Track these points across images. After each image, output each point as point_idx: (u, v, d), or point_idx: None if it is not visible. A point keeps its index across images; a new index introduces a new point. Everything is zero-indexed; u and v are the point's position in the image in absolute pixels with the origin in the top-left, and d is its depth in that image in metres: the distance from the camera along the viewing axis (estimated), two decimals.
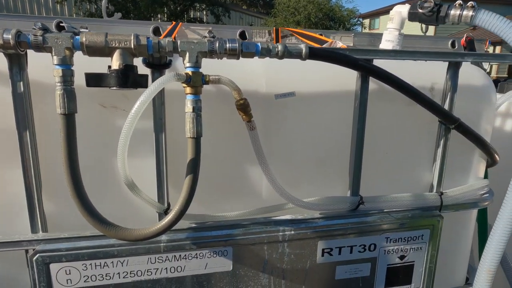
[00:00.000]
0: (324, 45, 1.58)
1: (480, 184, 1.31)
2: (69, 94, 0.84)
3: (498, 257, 1.18)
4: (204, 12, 18.45)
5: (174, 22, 1.58)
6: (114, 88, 0.85)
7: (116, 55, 0.85)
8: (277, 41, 1.73)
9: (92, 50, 0.84)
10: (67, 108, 0.84)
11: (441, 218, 1.24)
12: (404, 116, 1.20)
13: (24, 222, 0.97)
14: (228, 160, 1.11)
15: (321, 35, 1.70)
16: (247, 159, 1.09)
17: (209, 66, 0.94)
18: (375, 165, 1.20)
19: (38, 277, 0.96)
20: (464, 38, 1.75)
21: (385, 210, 1.21)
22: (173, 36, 1.50)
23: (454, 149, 1.25)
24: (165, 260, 1.04)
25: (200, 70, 0.91)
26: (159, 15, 16.09)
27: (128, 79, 0.85)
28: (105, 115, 0.99)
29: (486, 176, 1.40)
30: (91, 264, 0.99)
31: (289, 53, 0.96)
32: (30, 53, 0.86)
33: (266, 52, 0.95)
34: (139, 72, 0.89)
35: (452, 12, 1.15)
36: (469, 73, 1.24)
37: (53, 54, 0.81)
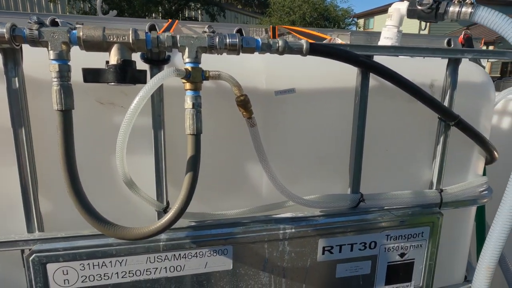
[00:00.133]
0: (324, 42, 1.58)
1: (479, 181, 1.31)
2: (66, 90, 0.82)
3: (497, 253, 1.18)
4: (199, 12, 18.41)
5: (170, 20, 1.57)
6: (112, 83, 0.84)
7: (114, 50, 0.83)
8: None
9: (90, 45, 0.82)
10: (64, 104, 0.82)
11: (441, 215, 1.24)
12: (404, 113, 1.20)
13: (20, 222, 0.95)
14: (228, 157, 1.10)
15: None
16: (247, 156, 1.08)
17: (208, 63, 0.93)
18: (375, 162, 1.20)
19: (34, 278, 0.94)
20: (462, 35, 1.75)
21: (385, 208, 1.20)
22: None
23: (453, 146, 1.24)
24: (165, 259, 1.02)
25: (200, 66, 0.90)
26: (153, 14, 16.02)
27: (126, 74, 0.84)
28: (103, 112, 0.97)
29: (484, 174, 1.40)
30: (89, 264, 0.97)
31: (289, 49, 0.95)
32: (25, 47, 0.84)
33: (266, 48, 0.94)
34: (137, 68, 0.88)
35: (451, 9, 1.14)
36: (468, 70, 1.24)
37: (49, 48, 0.79)
